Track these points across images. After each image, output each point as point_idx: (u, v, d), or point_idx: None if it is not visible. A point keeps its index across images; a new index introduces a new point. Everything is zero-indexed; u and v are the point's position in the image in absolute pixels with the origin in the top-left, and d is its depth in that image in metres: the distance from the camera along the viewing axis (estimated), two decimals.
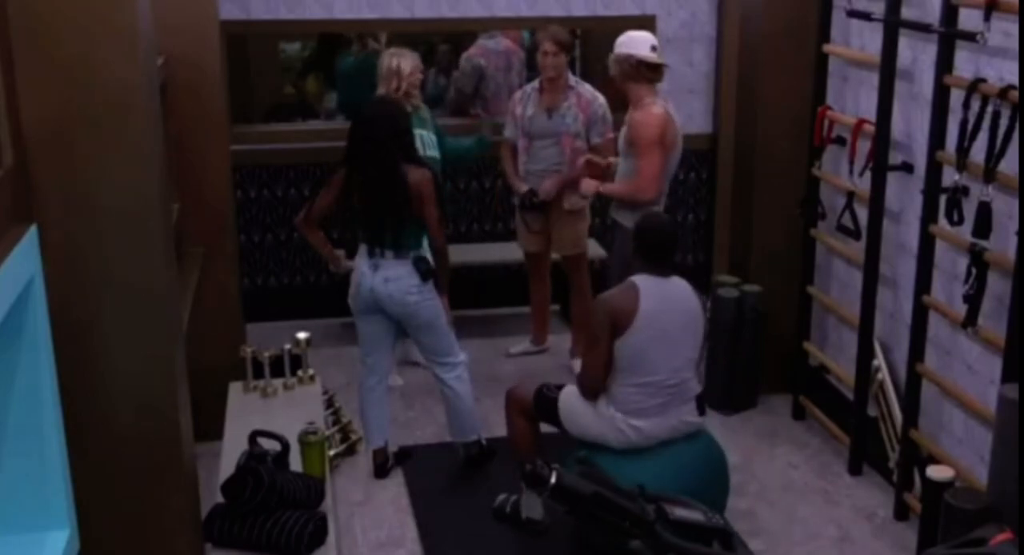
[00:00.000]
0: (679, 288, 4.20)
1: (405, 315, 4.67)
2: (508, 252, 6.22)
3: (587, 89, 5.62)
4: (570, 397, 4.26)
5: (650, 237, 4.19)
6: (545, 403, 4.32)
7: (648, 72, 4.98)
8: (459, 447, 4.90)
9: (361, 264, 4.65)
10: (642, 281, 4.12)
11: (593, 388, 4.17)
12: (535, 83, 5.68)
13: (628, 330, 4.05)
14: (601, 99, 5.58)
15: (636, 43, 4.99)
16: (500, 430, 4.72)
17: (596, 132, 5.55)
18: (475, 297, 6.46)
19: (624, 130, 5.05)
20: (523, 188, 5.63)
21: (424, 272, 4.58)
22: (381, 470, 4.87)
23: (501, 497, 4.49)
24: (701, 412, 4.26)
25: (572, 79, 5.64)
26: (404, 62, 5.30)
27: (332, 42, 7.87)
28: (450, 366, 4.79)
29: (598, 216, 6.07)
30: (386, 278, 4.59)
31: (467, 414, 4.85)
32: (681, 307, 4.16)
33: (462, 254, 6.13)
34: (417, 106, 5.38)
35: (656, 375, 4.09)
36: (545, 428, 4.46)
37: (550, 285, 6.04)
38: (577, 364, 5.63)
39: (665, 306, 4.11)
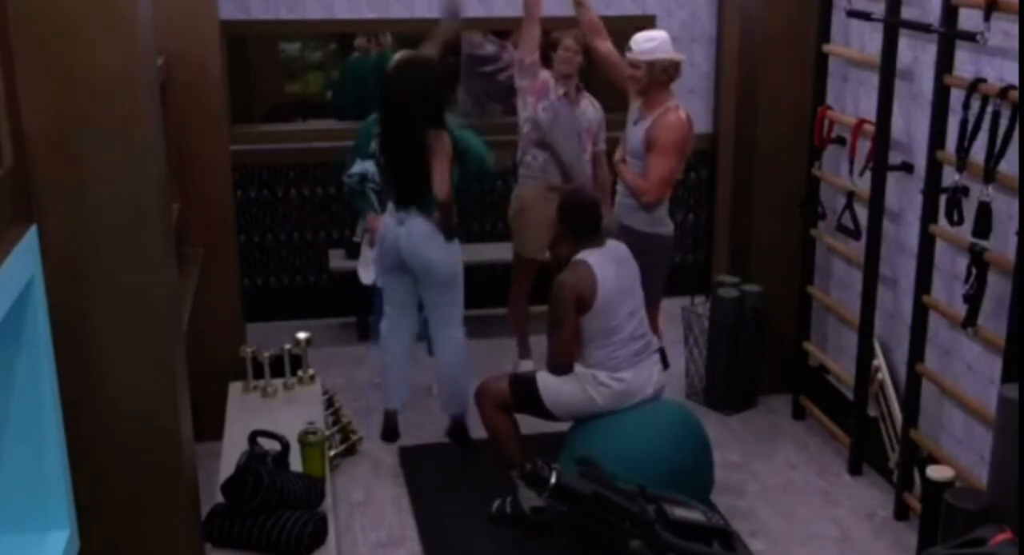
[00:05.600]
0: (611, 247, 4.46)
1: (424, 269, 4.82)
2: (505, 252, 6.21)
3: (589, 96, 5.57)
4: (546, 376, 4.38)
5: (579, 215, 4.43)
6: (524, 388, 4.37)
7: (676, 73, 5.00)
8: (447, 421, 5.10)
9: (388, 219, 4.85)
10: (589, 255, 4.34)
11: (564, 366, 4.35)
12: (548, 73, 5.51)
13: (594, 306, 4.26)
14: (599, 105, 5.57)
15: (666, 44, 4.96)
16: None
17: (600, 138, 5.53)
18: (473, 297, 6.47)
19: (644, 131, 4.96)
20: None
21: (448, 231, 4.77)
22: (390, 434, 5.04)
23: (496, 503, 4.54)
24: (665, 365, 4.66)
25: (581, 87, 5.57)
26: None
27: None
28: (452, 327, 4.96)
29: None
30: (409, 231, 4.78)
31: (451, 385, 5.01)
32: (622, 262, 4.43)
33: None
34: None
35: (622, 331, 4.31)
36: (532, 430, 4.46)
37: None
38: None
39: (614, 269, 4.36)
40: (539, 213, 5.46)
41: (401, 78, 4.74)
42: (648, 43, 4.94)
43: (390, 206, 4.87)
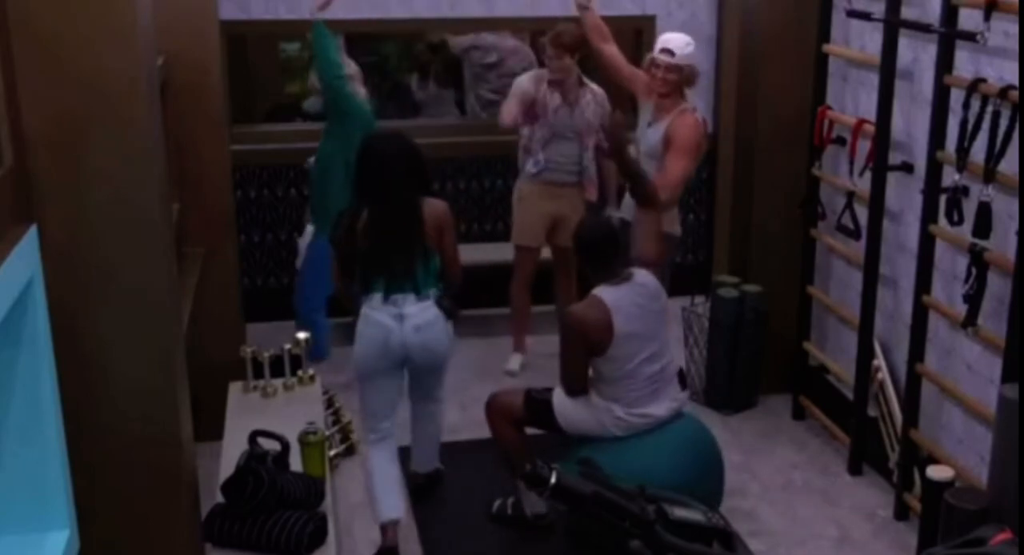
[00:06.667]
0: (637, 284, 4.17)
1: (431, 362, 4.27)
2: (505, 253, 6.21)
3: (594, 85, 5.61)
4: (563, 399, 4.24)
5: (593, 247, 4.18)
6: (538, 407, 4.29)
7: (697, 79, 5.02)
8: (420, 477, 4.70)
9: (377, 317, 4.12)
10: (606, 294, 4.10)
11: (576, 389, 4.20)
12: (545, 73, 5.56)
13: (608, 351, 4.07)
14: (604, 94, 5.60)
15: (696, 51, 5.01)
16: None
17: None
18: (473, 297, 6.47)
19: (663, 132, 4.95)
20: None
21: (448, 310, 4.20)
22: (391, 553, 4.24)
23: (497, 503, 4.53)
24: (683, 386, 4.35)
25: (583, 77, 5.59)
26: (355, 65, 5.44)
27: None
28: (440, 400, 4.59)
29: None
30: (417, 327, 4.11)
31: (428, 446, 4.67)
32: (648, 305, 4.17)
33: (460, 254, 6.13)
34: None
35: (638, 376, 4.14)
36: (531, 430, 4.45)
37: None
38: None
39: (634, 311, 4.11)
40: (535, 205, 5.62)
41: (388, 149, 4.16)
42: (688, 48, 4.95)
43: (374, 299, 4.14)
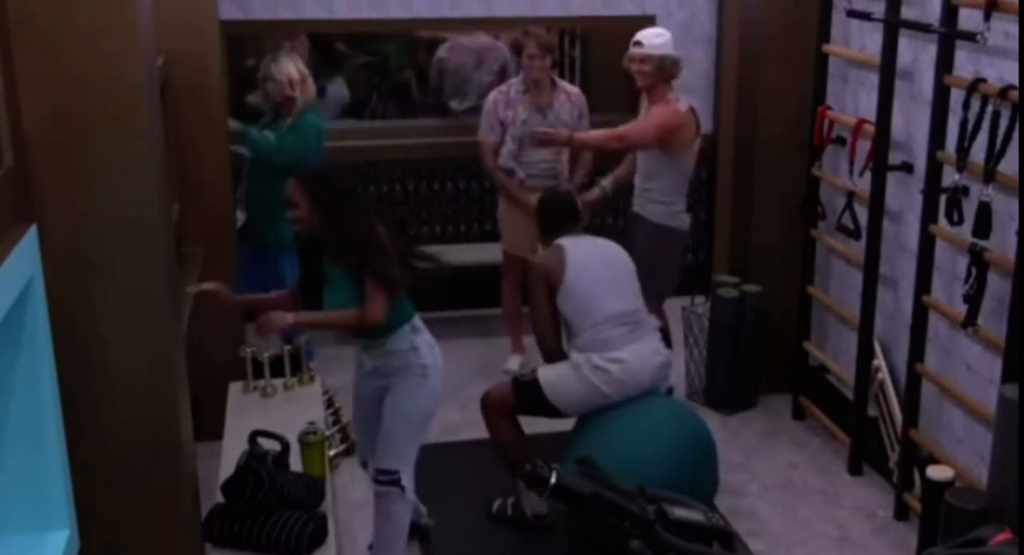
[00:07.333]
0: (601, 241, 4.53)
1: None
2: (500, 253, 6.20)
3: (570, 86, 5.73)
4: (547, 372, 4.34)
5: (553, 209, 4.58)
6: (526, 390, 4.34)
7: (679, 70, 5.07)
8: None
9: (433, 345, 3.92)
10: (564, 240, 4.42)
11: (549, 344, 4.41)
12: (517, 84, 5.66)
13: (564, 281, 4.28)
14: (582, 95, 5.69)
15: (671, 42, 5.04)
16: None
17: (582, 127, 5.57)
18: (472, 298, 6.48)
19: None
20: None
21: None
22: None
23: (497, 503, 4.54)
24: (668, 345, 4.60)
25: (556, 80, 5.69)
26: (274, 69, 5.25)
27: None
28: None
29: (621, 214, 6.02)
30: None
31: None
32: (606, 250, 4.48)
33: (460, 254, 6.14)
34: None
35: (607, 310, 4.28)
36: (531, 429, 4.46)
37: None
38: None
39: (591, 251, 4.41)
40: (518, 216, 5.64)
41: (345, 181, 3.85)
42: (658, 39, 5.04)
43: (418, 323, 3.87)
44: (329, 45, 7.66)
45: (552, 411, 4.34)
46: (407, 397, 3.83)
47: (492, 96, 5.72)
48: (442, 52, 7.05)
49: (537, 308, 4.39)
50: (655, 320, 4.55)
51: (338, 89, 7.44)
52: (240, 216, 5.46)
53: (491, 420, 4.42)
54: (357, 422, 4.17)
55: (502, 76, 6.76)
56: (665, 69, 5.00)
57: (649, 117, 5.05)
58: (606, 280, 4.35)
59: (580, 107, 5.61)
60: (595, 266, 4.36)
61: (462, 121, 6.62)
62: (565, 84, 5.74)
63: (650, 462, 4.07)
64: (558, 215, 4.54)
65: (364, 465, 4.21)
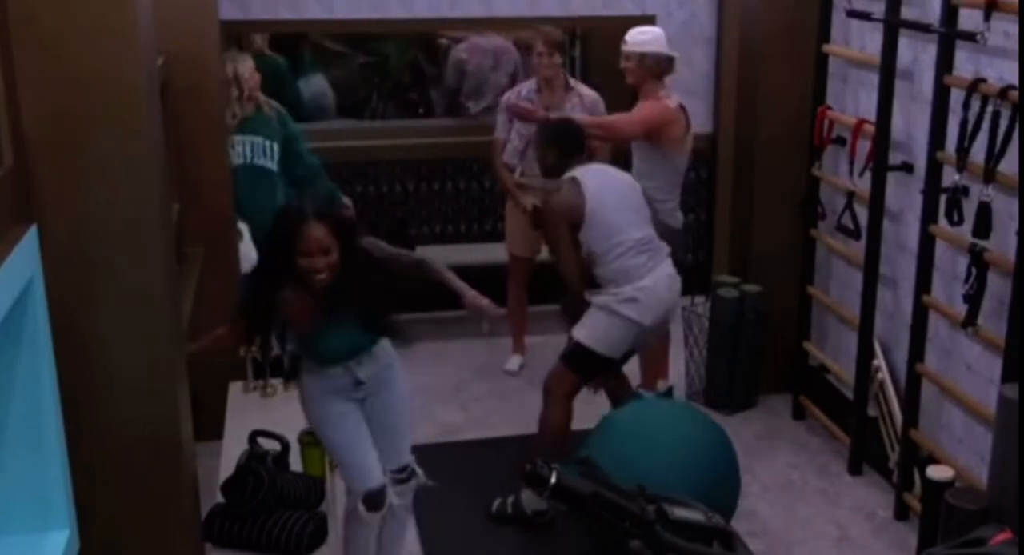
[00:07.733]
0: (604, 167, 4.69)
1: None
2: (505, 253, 6.21)
3: (586, 89, 5.68)
4: (580, 331, 4.39)
5: (561, 130, 4.74)
6: (576, 356, 4.41)
7: (668, 67, 5.08)
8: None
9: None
10: (576, 171, 4.50)
11: (576, 279, 4.44)
12: (531, 84, 5.68)
13: (587, 214, 4.36)
14: (600, 100, 5.62)
15: (659, 40, 5.07)
16: (504, 427, 4.67)
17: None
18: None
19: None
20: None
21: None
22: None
23: (497, 502, 4.54)
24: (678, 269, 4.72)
25: (571, 81, 5.68)
26: (241, 67, 5.21)
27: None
28: None
29: None
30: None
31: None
32: (615, 178, 4.59)
33: (460, 254, 6.14)
34: (258, 106, 5.25)
35: (627, 234, 4.40)
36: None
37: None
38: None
39: (603, 179, 4.52)
40: (522, 217, 5.62)
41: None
42: (641, 36, 5.08)
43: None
44: (297, 45, 7.44)
45: (607, 362, 4.45)
46: (403, 386, 3.81)
47: (507, 95, 5.78)
48: (461, 53, 7.05)
49: (563, 250, 4.45)
50: (665, 246, 4.60)
51: (319, 88, 7.36)
52: (243, 227, 5.30)
53: (552, 403, 4.45)
54: (356, 443, 3.70)
55: (514, 78, 6.79)
56: (647, 66, 5.02)
57: (636, 111, 5.09)
58: (624, 207, 4.47)
59: (592, 110, 5.55)
60: (612, 194, 4.46)
61: (479, 121, 6.63)
62: (582, 87, 5.69)
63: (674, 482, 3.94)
64: (570, 145, 4.61)
65: (383, 490, 3.76)
